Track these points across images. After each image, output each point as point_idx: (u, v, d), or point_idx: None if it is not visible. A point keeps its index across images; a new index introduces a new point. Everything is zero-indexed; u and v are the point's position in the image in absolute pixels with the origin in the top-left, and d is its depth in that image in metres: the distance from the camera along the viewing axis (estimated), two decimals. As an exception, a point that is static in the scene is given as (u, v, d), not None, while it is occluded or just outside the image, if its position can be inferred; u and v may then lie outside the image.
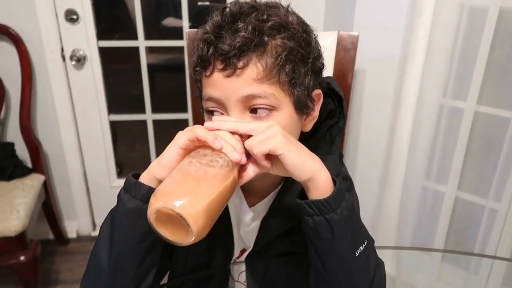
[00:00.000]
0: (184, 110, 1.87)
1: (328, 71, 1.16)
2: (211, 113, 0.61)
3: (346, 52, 1.16)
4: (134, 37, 1.72)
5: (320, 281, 0.61)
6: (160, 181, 0.54)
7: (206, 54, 0.58)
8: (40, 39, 1.61)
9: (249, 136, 0.55)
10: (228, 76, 0.57)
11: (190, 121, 1.82)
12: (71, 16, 1.62)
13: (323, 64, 0.65)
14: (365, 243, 0.59)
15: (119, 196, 0.57)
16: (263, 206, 0.70)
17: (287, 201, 0.67)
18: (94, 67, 1.72)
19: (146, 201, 0.52)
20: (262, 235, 0.71)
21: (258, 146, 0.53)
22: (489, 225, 1.38)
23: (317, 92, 0.65)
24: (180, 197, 0.46)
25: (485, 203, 1.39)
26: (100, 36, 1.70)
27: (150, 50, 1.82)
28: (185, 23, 1.72)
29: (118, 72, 1.97)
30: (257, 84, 0.57)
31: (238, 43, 0.56)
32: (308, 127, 0.67)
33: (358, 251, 0.57)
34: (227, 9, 0.60)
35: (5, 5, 1.55)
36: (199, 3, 1.78)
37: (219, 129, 0.55)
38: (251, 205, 0.71)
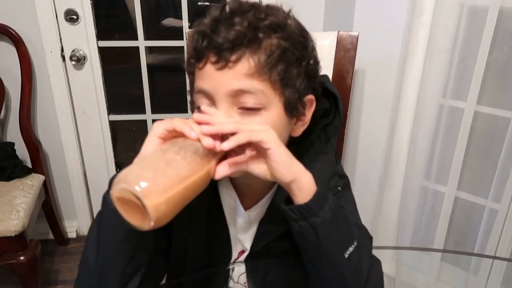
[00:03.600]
0: (184, 110, 1.87)
1: (327, 71, 1.16)
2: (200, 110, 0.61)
3: (346, 52, 1.16)
4: (134, 37, 1.72)
5: (315, 283, 0.62)
6: None
7: (201, 45, 0.58)
8: (40, 39, 1.61)
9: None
10: (220, 69, 0.57)
11: (190, 121, 1.82)
12: (71, 16, 1.63)
13: (317, 71, 0.65)
14: (355, 243, 0.58)
15: (103, 197, 0.57)
16: (259, 208, 0.70)
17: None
18: (94, 67, 1.72)
19: None
20: (260, 238, 0.71)
21: (247, 132, 0.51)
22: (489, 225, 1.38)
23: (310, 97, 0.64)
24: (140, 180, 0.44)
25: (485, 203, 1.39)
26: (100, 36, 1.70)
27: (150, 50, 1.82)
28: (185, 23, 1.72)
29: (118, 72, 1.97)
30: (248, 79, 0.57)
31: (232, 37, 0.56)
32: (298, 132, 0.66)
33: (347, 252, 0.57)
34: (227, 6, 0.60)
35: (5, 5, 1.55)
36: (199, 3, 1.78)
37: (208, 123, 0.53)
38: (247, 207, 0.70)
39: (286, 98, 0.60)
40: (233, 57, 0.56)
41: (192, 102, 0.65)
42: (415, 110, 1.36)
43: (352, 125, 1.56)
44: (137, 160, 0.54)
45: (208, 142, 0.50)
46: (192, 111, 0.65)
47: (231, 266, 0.75)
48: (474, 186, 1.43)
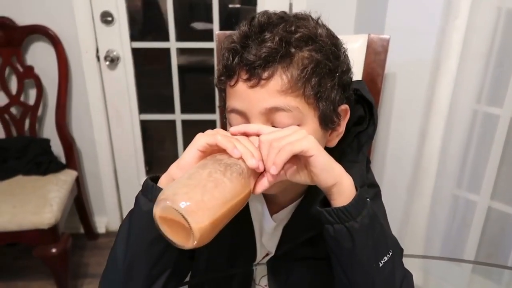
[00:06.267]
0: (212, 111, 1.89)
1: (357, 75, 1.15)
2: None
3: (376, 55, 1.14)
4: (166, 38, 1.75)
5: None
6: None
7: (231, 63, 0.58)
8: (77, 40, 1.67)
9: None
10: (252, 86, 0.56)
11: (218, 122, 1.83)
12: (107, 18, 1.68)
13: (351, 79, 0.64)
14: (390, 253, 0.57)
15: (136, 198, 0.58)
16: (285, 213, 0.70)
17: (310, 210, 0.66)
18: (126, 67, 1.77)
19: None
20: (284, 242, 0.70)
21: (289, 146, 0.50)
22: (524, 237, 1.33)
23: (344, 107, 0.63)
24: (188, 200, 0.44)
25: (520, 214, 1.34)
26: (133, 37, 1.74)
27: (181, 51, 1.85)
28: (215, 25, 1.74)
29: (150, 72, 2.01)
30: (281, 96, 0.56)
31: (264, 54, 0.55)
32: (333, 143, 0.65)
33: (382, 261, 0.55)
34: (255, 20, 0.59)
35: (45, 7, 1.62)
36: (230, 6, 1.80)
37: (244, 131, 0.54)
38: (273, 212, 0.70)
39: (321, 111, 0.59)
40: (265, 74, 0.55)
41: (225, 117, 0.64)
42: (447, 115, 1.33)
43: (381, 129, 1.53)
44: (175, 169, 0.54)
45: (253, 162, 0.50)
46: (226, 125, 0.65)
47: (253, 267, 0.75)
48: (509, 196, 1.38)
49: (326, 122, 0.60)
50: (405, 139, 1.52)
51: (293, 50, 0.56)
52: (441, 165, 1.39)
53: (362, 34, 1.16)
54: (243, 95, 0.58)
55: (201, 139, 0.53)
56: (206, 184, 0.47)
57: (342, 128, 0.65)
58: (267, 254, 0.74)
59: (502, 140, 1.30)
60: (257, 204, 0.71)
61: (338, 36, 0.63)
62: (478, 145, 1.36)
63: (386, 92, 1.48)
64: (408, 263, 0.64)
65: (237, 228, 0.71)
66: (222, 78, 0.61)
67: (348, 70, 0.63)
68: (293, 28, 0.57)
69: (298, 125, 0.57)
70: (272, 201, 0.70)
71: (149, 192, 0.56)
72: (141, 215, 0.57)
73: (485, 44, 1.25)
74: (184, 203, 0.44)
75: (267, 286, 0.75)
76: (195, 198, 0.45)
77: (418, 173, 1.45)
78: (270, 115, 0.57)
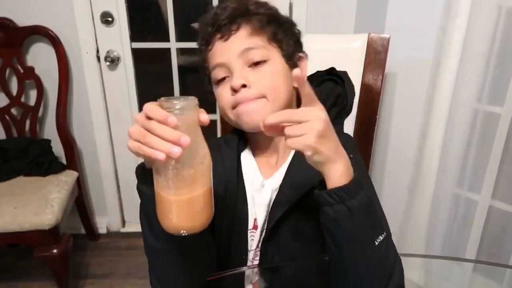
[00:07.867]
0: (213, 111, 1.89)
1: (357, 74, 1.15)
2: (222, 80, 0.75)
3: (377, 54, 1.14)
4: (166, 38, 1.76)
5: (340, 272, 0.62)
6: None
7: (208, 33, 0.75)
8: (77, 41, 1.68)
9: None
10: (226, 39, 0.73)
11: (218, 122, 1.83)
12: (107, 19, 1.68)
13: (299, 31, 0.82)
14: (384, 234, 0.59)
15: (137, 189, 0.61)
16: (276, 180, 0.75)
17: (299, 171, 0.71)
18: (127, 67, 1.77)
19: None
20: (276, 209, 0.73)
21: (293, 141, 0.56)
22: (525, 236, 1.33)
23: (301, 54, 0.81)
24: (184, 225, 0.55)
25: (521, 213, 1.34)
26: (134, 37, 1.74)
27: (181, 51, 1.85)
28: (215, 25, 1.74)
29: (150, 73, 2.01)
30: (250, 39, 0.73)
31: (229, 13, 0.73)
32: None
33: (377, 240, 0.58)
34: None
35: (45, 8, 1.63)
36: (230, 6, 1.80)
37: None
38: (266, 177, 0.78)
39: (284, 50, 0.76)
40: (234, 27, 0.73)
41: (209, 85, 0.82)
42: (448, 114, 1.33)
43: (382, 128, 1.53)
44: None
45: (176, 150, 0.48)
46: (211, 93, 0.82)
47: (245, 269, 0.77)
48: (510, 195, 1.38)
49: (288, 59, 0.77)
50: (405, 138, 1.52)
51: (251, 8, 0.75)
52: (442, 164, 1.39)
53: (362, 34, 1.16)
54: (220, 49, 0.74)
55: (130, 144, 0.52)
56: (173, 208, 0.54)
57: (304, 72, 0.80)
58: (255, 224, 0.77)
59: (503, 139, 1.30)
60: (249, 168, 0.79)
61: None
62: (479, 144, 1.36)
63: (387, 92, 1.48)
64: (409, 262, 0.65)
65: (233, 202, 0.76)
66: (203, 47, 0.78)
67: (294, 25, 0.81)
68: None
69: (268, 60, 0.73)
70: (262, 163, 0.79)
71: (145, 178, 0.58)
72: (148, 202, 0.59)
73: (485, 43, 1.25)
74: (185, 231, 0.56)
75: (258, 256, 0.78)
76: (190, 224, 0.56)
77: (419, 173, 1.45)
78: (244, 56, 0.72)
